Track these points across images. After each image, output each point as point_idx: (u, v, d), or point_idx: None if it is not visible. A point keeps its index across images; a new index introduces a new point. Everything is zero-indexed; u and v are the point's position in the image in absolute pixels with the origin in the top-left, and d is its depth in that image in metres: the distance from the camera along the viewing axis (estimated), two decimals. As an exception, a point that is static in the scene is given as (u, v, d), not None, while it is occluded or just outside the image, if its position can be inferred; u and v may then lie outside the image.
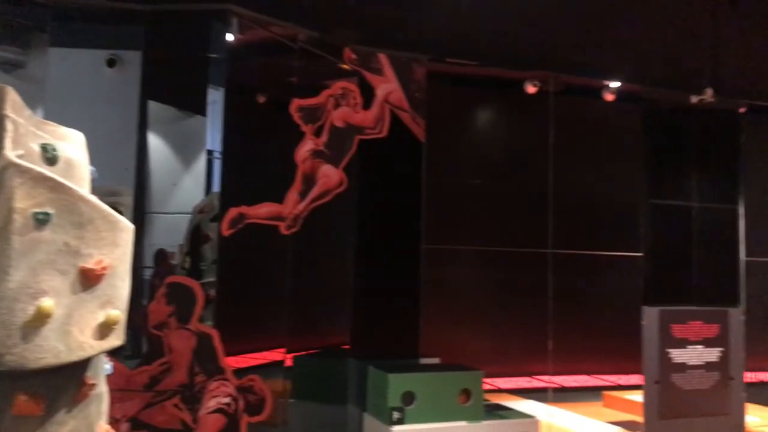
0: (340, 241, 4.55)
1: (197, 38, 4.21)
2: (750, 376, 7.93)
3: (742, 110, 5.76)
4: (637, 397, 4.97)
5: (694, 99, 5.12)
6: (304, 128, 4.22)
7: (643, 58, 5.29)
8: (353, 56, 4.37)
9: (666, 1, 5.44)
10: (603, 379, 7.77)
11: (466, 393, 3.90)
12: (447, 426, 3.78)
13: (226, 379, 3.75)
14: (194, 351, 3.69)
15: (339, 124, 4.31)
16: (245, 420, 3.80)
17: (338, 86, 4.33)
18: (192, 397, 3.68)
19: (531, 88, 5.33)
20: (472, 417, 3.87)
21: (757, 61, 5.78)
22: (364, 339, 4.37)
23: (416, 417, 3.71)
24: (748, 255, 5.26)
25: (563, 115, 7.98)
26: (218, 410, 3.72)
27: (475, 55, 4.90)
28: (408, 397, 3.74)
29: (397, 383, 3.71)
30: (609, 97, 6.11)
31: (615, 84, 5.51)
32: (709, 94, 5.08)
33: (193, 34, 4.18)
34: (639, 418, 4.90)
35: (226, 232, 3.88)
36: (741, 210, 5.25)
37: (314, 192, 4.23)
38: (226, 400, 3.75)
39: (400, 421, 3.66)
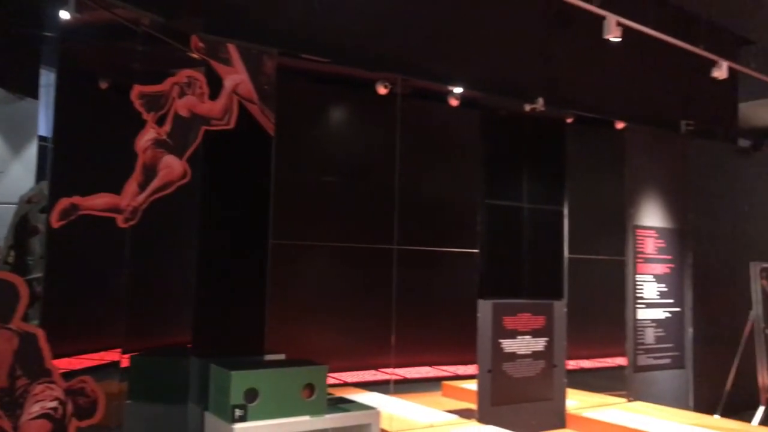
0: (182, 235, 4.39)
1: (30, 14, 3.88)
2: (571, 364, 8.71)
3: (569, 120, 6.29)
4: (473, 385, 5.27)
5: (527, 107, 5.52)
6: (146, 116, 4.02)
7: (483, 66, 5.62)
8: (201, 45, 4.22)
9: (506, 15, 5.83)
10: (443, 370, 8.15)
11: (310, 388, 3.93)
12: (290, 421, 3.79)
13: (52, 382, 3.49)
14: (16, 352, 3.40)
15: (184, 113, 4.15)
16: (74, 424, 3.56)
17: (184, 74, 4.17)
18: (13, 403, 3.39)
19: (382, 89, 5.46)
20: (315, 411, 3.91)
21: (584, 75, 6.36)
22: (207, 337, 4.25)
23: (259, 414, 3.68)
24: (570, 252, 5.77)
25: (411, 118, 8.26)
26: (43, 415, 3.46)
27: (327, 52, 4.93)
28: (251, 394, 3.70)
29: (240, 380, 3.66)
30: (453, 102, 6.42)
31: (458, 90, 5.79)
32: (540, 104, 5.50)
33: (25, 9, 3.84)
34: (474, 406, 5.21)
35: (56, 224, 3.61)
36: (565, 211, 5.74)
37: (155, 183, 4.04)
38: (52, 404, 3.49)
39: (242, 419, 3.61)
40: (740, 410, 6.63)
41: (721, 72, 6.12)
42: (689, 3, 6.90)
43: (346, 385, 6.51)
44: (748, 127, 12.57)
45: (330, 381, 6.36)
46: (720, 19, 7.27)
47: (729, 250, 7.16)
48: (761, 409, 6.41)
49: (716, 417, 6.23)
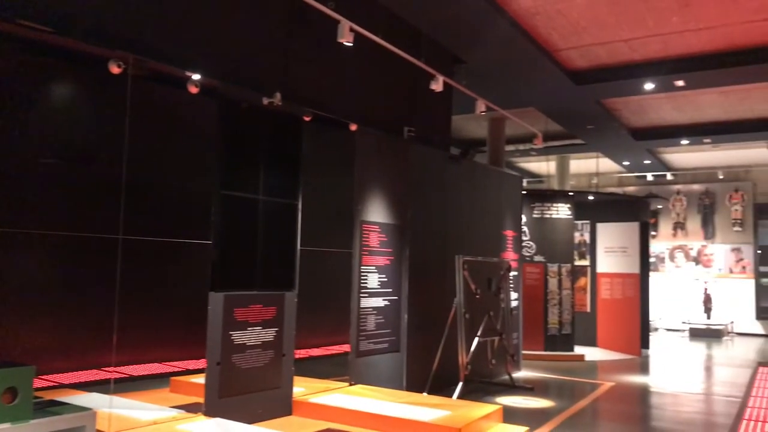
0: None
1: None
2: (301, 353, 8.99)
3: (307, 118, 6.50)
4: (203, 379, 5.18)
5: (265, 101, 5.59)
6: None
7: (223, 55, 5.55)
8: None
9: (248, 7, 5.83)
10: (173, 366, 7.87)
11: (12, 392, 3.52)
12: (-15, 430, 3.36)
13: None
14: None
15: None
16: None
17: None
18: None
19: (115, 69, 5.06)
20: (17, 417, 3.51)
21: (321, 76, 6.63)
22: None
23: (-55, 425, 3.20)
24: (303, 245, 5.98)
25: (146, 102, 7.82)
26: None
27: (51, 21, 4.42)
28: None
29: None
30: (193, 89, 6.23)
31: (196, 76, 5.64)
32: (277, 98, 5.60)
33: None
34: (202, 400, 5.12)
35: None
36: (300, 205, 5.93)
37: None
38: None
39: None
40: (444, 387, 7.50)
41: (437, 85, 6.86)
42: (414, 18, 7.59)
43: (61, 387, 5.97)
44: (459, 137, 14.25)
45: (41, 384, 5.79)
46: (439, 38, 8.14)
47: (440, 245, 8.05)
48: (460, 385, 7.32)
49: (424, 394, 6.97)
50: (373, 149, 7.06)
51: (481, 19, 7.51)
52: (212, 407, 5.07)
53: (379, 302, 6.96)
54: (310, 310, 8.15)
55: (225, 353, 5.21)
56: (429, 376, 7.40)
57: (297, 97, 6.15)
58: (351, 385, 6.58)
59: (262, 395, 5.51)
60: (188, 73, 5.48)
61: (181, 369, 7.72)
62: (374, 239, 6.95)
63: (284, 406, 5.76)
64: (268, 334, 5.60)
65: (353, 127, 6.94)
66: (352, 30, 5.62)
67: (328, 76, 6.72)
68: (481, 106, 7.94)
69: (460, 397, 7.08)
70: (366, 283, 6.80)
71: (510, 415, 6.45)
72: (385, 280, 7.06)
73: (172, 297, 8.15)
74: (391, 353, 7.12)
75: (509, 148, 14.08)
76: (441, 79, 6.82)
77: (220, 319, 5.17)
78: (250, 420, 5.23)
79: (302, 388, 6.30)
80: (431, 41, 8.00)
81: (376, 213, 7.03)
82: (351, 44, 5.57)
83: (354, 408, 5.63)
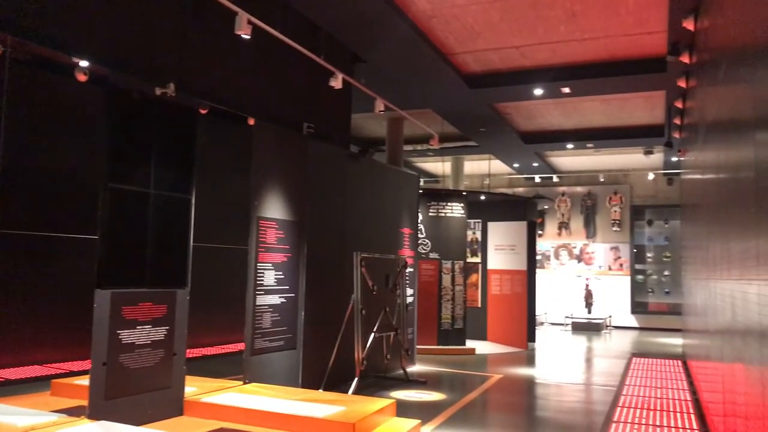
0: None
1: None
2: (195, 351, 8.77)
3: (203, 111, 6.33)
4: (87, 381, 4.94)
5: (158, 91, 5.39)
6: None
7: (112, 42, 5.30)
8: None
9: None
10: (56, 368, 7.45)
11: None
12: None
13: None
14: None
15: None
16: None
17: None
18: None
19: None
20: None
21: (218, 67, 6.47)
22: None
23: None
24: (196, 241, 5.82)
25: (27, 87, 7.36)
26: None
27: None
28: None
29: None
30: (81, 77, 5.92)
31: (84, 63, 5.36)
32: (171, 89, 5.42)
33: None
34: (86, 402, 4.88)
35: None
36: (192, 200, 5.77)
37: None
38: None
39: None
40: (340, 383, 7.55)
41: (337, 82, 6.89)
42: (314, 15, 7.58)
43: None
44: (358, 135, 14.34)
45: None
46: (339, 35, 8.17)
47: (338, 242, 8.09)
48: (355, 381, 7.39)
49: (320, 391, 6.98)
50: (271, 144, 6.98)
51: (380, 19, 7.61)
52: (97, 410, 4.84)
53: (276, 299, 6.90)
54: (204, 308, 7.97)
55: (112, 353, 4.99)
56: (325, 373, 7.42)
57: (192, 88, 5.98)
58: (245, 383, 6.49)
59: (151, 396, 5.32)
60: (75, 60, 5.20)
61: (63, 371, 7.32)
62: (271, 236, 6.88)
63: (175, 407, 5.59)
64: (159, 333, 5.41)
65: (251, 122, 6.83)
66: (250, 23, 5.53)
67: (225, 69, 6.58)
68: (380, 105, 8.04)
69: (355, 392, 7.14)
70: (262, 280, 6.72)
71: (403, 408, 6.59)
72: (282, 277, 7.00)
73: (55, 295, 7.71)
74: (287, 351, 7.07)
75: (407, 148, 14.35)
76: (340, 76, 6.85)
77: (106, 317, 4.95)
78: (139, 422, 5.04)
79: (194, 387, 6.14)
80: (331, 38, 8.02)
81: (274, 209, 6.96)
82: (249, 37, 5.49)
83: (248, 406, 5.55)
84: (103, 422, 4.75)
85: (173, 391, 5.57)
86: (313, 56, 6.74)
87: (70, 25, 4.95)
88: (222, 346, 10.07)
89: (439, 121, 12.28)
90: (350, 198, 8.41)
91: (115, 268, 5.08)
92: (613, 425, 6.31)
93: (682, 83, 8.33)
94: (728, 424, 4.30)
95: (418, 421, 5.95)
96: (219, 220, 9.62)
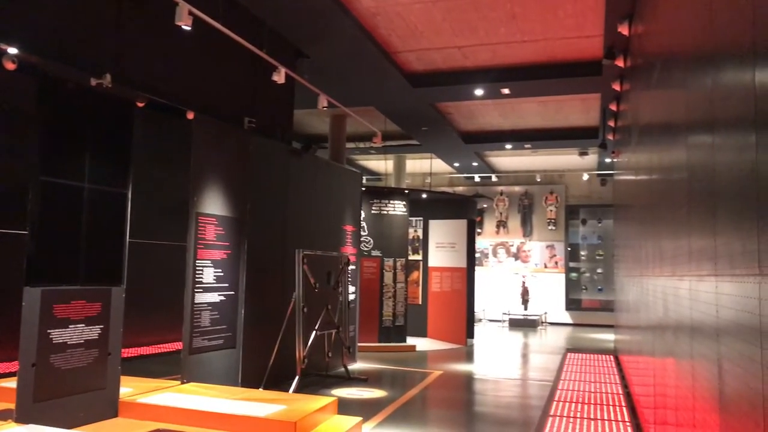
0: None
1: None
2: (131, 351, 8.52)
3: (140, 103, 6.14)
4: (14, 383, 4.73)
5: (94, 82, 5.20)
6: None
7: (45, 29, 5.08)
8: None
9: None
10: (-22, 371, 7.09)
11: None
12: None
13: None
14: None
15: None
16: None
17: None
18: None
19: None
20: None
21: (156, 59, 6.29)
22: None
23: None
24: (132, 237, 5.64)
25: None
26: None
27: None
28: None
29: None
30: (9, 65, 5.64)
31: (13, 50, 5.12)
32: (107, 80, 5.24)
33: None
34: (13, 405, 4.67)
35: None
36: (129, 195, 5.59)
37: None
38: None
39: None
40: (281, 382, 7.48)
41: (279, 77, 6.80)
42: (257, 8, 7.47)
43: None
44: (300, 131, 14.23)
45: None
46: (282, 30, 8.08)
47: (279, 239, 8.00)
48: (296, 379, 7.33)
49: (260, 390, 6.89)
50: (211, 139, 6.84)
51: (324, 15, 7.57)
52: (25, 413, 4.63)
53: (215, 297, 6.77)
54: (141, 306, 7.75)
55: (42, 353, 4.78)
56: (265, 372, 7.33)
57: (130, 80, 5.79)
58: (183, 383, 6.34)
59: (84, 397, 5.13)
60: (3, 46, 4.95)
61: (-13, 373, 6.98)
62: (211, 232, 6.74)
63: (110, 408, 5.41)
64: (93, 332, 5.23)
65: (190, 115, 6.67)
66: (191, 14, 5.40)
67: (164, 61, 6.40)
68: (323, 101, 7.99)
69: (296, 390, 7.09)
70: (201, 277, 6.58)
71: (345, 406, 6.58)
72: (222, 274, 6.87)
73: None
74: (227, 349, 6.95)
75: (350, 145, 14.33)
76: (283, 71, 6.77)
77: (36, 316, 4.74)
78: (71, 424, 4.86)
79: (130, 388, 5.96)
80: (274, 33, 7.92)
81: (214, 205, 6.82)
82: (189, 28, 5.36)
83: (186, 407, 5.43)
84: (31, 426, 4.55)
85: (108, 393, 5.39)
86: (255, 50, 6.63)
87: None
88: (159, 346, 9.81)
89: (381, 119, 12.31)
90: (292, 194, 8.33)
91: (46, 264, 4.87)
92: (550, 419, 6.48)
93: (616, 86, 8.61)
94: (658, 415, 4.47)
95: (360, 418, 5.95)
96: (157, 215, 9.36)
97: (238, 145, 7.29)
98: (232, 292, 7.05)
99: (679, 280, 3.22)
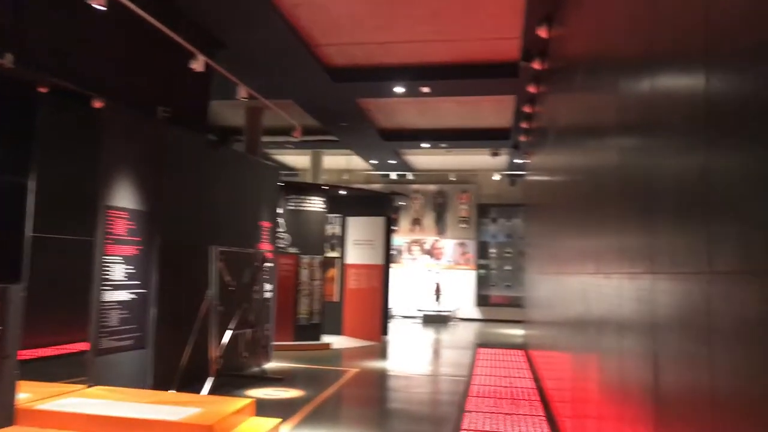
0: None
1: None
2: (29, 354, 7.94)
3: (44, 89, 5.72)
4: None
5: (-7, 62, 4.78)
6: None
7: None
8: None
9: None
10: None
11: None
12: None
13: None
14: None
15: None
16: None
17: None
18: None
19: None
20: None
21: (63, 42, 5.86)
22: None
23: None
24: (34, 231, 5.24)
25: None
26: None
27: None
28: None
29: None
30: None
31: None
32: (9, 60, 4.82)
33: None
34: None
35: None
36: (32, 186, 5.18)
37: None
38: None
39: None
40: (194, 383, 7.19)
41: (198, 65, 6.52)
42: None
43: None
44: (214, 123, 13.78)
45: None
46: (199, 17, 7.75)
47: (194, 234, 7.68)
48: (210, 380, 7.07)
49: (172, 392, 6.59)
50: (122, 128, 6.46)
51: (243, 3, 7.32)
52: None
53: (125, 295, 6.40)
54: (43, 305, 7.23)
55: (-72, 358, 4.34)
56: (177, 373, 7.02)
57: (34, 61, 5.36)
58: (89, 387, 5.95)
59: (-24, 405, 4.70)
60: None
61: None
62: (121, 227, 6.37)
63: (4, 416, 4.98)
64: (-13, 334, 4.79)
65: (100, 103, 6.28)
66: (104, -7, 5.06)
67: (73, 43, 5.97)
68: (242, 91, 7.74)
69: (210, 392, 6.83)
70: (110, 274, 6.20)
71: (262, 407, 6.39)
72: (133, 271, 6.51)
73: None
74: (137, 350, 6.60)
75: (265, 139, 14.01)
76: (202, 58, 6.49)
77: None
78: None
79: (29, 393, 5.53)
80: (191, 19, 7.58)
81: (125, 198, 6.45)
82: (104, 8, 5.02)
83: (92, 412, 5.08)
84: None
85: (3, 399, 4.96)
86: (174, 36, 6.32)
87: None
88: (63, 347, 9.21)
89: (299, 113, 12.11)
90: (208, 188, 8.02)
91: (-66, 260, 4.43)
92: (466, 415, 6.56)
93: (531, 89, 8.83)
94: (577, 409, 4.59)
95: (279, 419, 5.80)
96: (62, 208, 8.76)
97: (151, 136, 6.93)
98: (144, 290, 6.70)
99: (605, 277, 3.29)
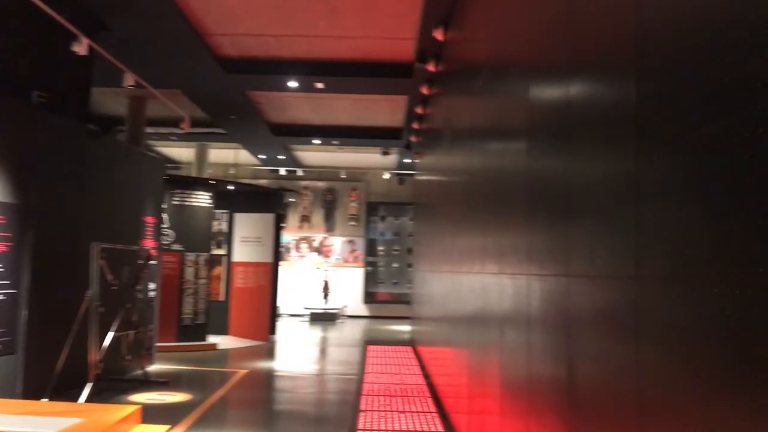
0: None
1: None
2: None
3: None
4: None
5: None
6: None
7: None
8: None
9: None
10: None
11: None
12: None
13: None
14: None
15: None
16: None
17: None
18: None
19: None
20: None
21: None
22: None
23: None
24: None
25: None
26: None
27: None
28: None
29: None
30: None
31: None
32: None
33: None
34: None
35: None
36: None
37: None
38: None
39: None
40: (70, 390, 6.69)
41: (81, 48, 6.05)
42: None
43: None
44: (99, 111, 12.93)
45: None
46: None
47: (72, 229, 7.14)
48: (89, 386, 6.60)
49: (45, 400, 6.09)
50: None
51: (132, -14, 6.89)
52: None
53: (-8, 296, 5.83)
54: None
55: None
56: (51, 380, 6.49)
57: None
58: (-53, 398, 5.37)
59: None
60: None
61: None
62: (-12, 221, 5.79)
63: None
64: None
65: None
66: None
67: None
68: (129, 79, 7.28)
69: (89, 399, 6.38)
70: (-26, 273, 5.62)
71: (147, 413, 6.03)
72: (2, 270, 5.94)
73: None
74: (5, 356, 6.03)
75: (148, 130, 13.31)
76: (85, 41, 6.02)
77: None
78: None
79: None
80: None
81: (-7, 189, 5.87)
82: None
83: (-47, 427, 4.59)
84: None
85: None
86: (53, 13, 5.81)
87: None
88: None
89: (185, 103, 11.59)
90: (88, 181, 7.48)
91: None
92: (361, 414, 6.55)
93: (425, 90, 8.97)
94: (474, 404, 4.69)
95: (167, 426, 5.51)
96: None
97: (23, 122, 6.35)
98: (13, 291, 6.13)
99: (510, 277, 3.37)
